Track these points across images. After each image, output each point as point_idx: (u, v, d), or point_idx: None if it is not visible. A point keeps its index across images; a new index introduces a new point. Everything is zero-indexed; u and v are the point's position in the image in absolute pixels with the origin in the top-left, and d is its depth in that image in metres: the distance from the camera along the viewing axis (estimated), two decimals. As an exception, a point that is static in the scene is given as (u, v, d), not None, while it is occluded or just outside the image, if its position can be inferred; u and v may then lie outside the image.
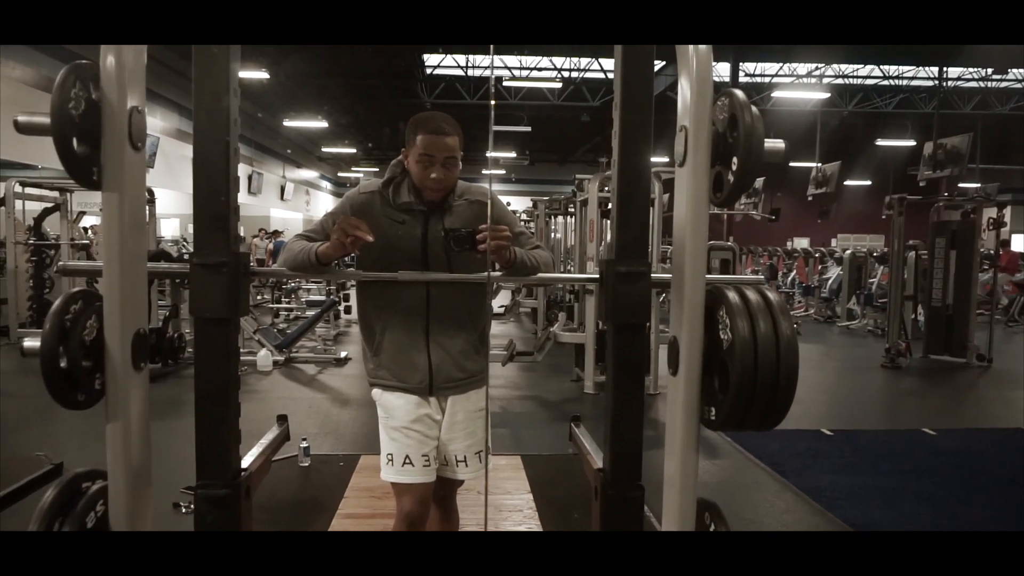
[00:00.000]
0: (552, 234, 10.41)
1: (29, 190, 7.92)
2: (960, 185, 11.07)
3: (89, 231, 10.03)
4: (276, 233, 15.33)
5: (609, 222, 6.37)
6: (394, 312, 1.82)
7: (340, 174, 25.21)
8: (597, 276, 1.72)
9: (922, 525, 3.21)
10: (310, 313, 7.56)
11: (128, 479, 1.30)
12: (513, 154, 18.40)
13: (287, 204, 20.75)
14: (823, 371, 7.26)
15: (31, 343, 1.20)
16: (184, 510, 3.05)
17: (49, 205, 8.27)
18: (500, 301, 10.58)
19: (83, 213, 9.67)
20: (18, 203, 7.82)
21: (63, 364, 1.20)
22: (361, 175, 23.20)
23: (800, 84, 15.63)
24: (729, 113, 1.31)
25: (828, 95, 15.33)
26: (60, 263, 8.05)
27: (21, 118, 1.18)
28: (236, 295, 1.57)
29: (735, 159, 1.30)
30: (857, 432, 4.81)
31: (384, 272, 1.73)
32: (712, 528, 1.37)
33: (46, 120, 1.15)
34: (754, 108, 1.29)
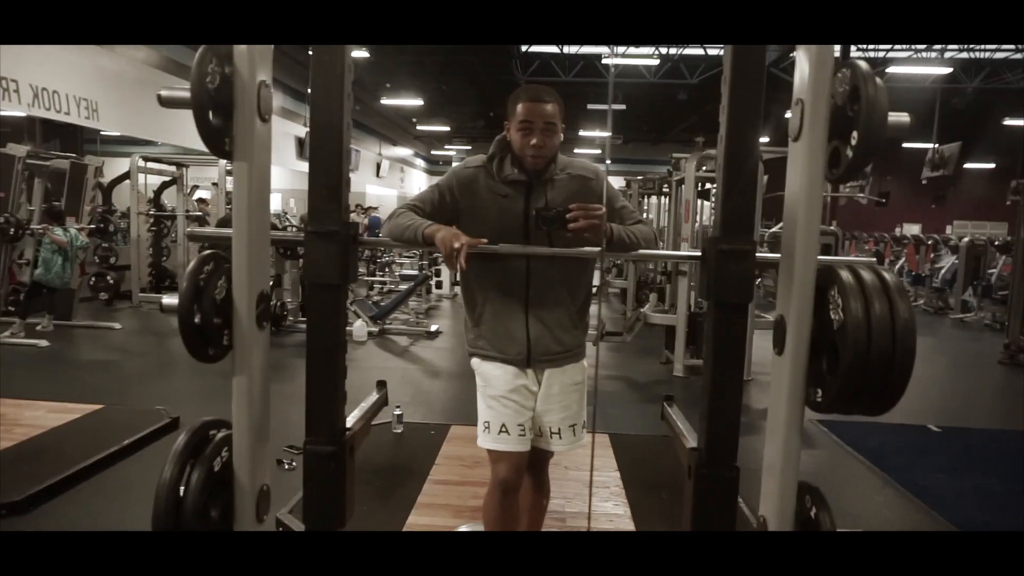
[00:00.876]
0: (645, 214, 10.24)
1: (150, 165, 8.52)
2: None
3: (199, 203, 10.66)
4: (371, 209, 15.76)
5: (704, 202, 6.19)
6: (495, 284, 1.86)
7: (433, 152, 25.66)
8: (699, 254, 1.69)
9: (1039, 531, 3.01)
10: (403, 287, 7.79)
11: (250, 428, 1.40)
12: (608, 133, 18.15)
13: (382, 181, 21.32)
14: (932, 365, 6.84)
15: (170, 300, 1.31)
16: (286, 466, 3.24)
17: (167, 179, 8.86)
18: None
19: (196, 187, 10.32)
20: (140, 176, 8.42)
21: (197, 320, 1.31)
22: (454, 152, 23.55)
23: (918, 59, 14.58)
24: (851, 85, 1.26)
25: (950, 70, 14.24)
26: (188, 229, 8.65)
27: (164, 92, 1.28)
28: (346, 262, 1.65)
29: (855, 133, 1.24)
30: (968, 430, 4.53)
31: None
32: (813, 513, 1.34)
33: (186, 94, 1.24)
34: (878, 79, 1.23)
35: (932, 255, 11.69)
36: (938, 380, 6.24)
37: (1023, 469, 3.82)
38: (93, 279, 8.04)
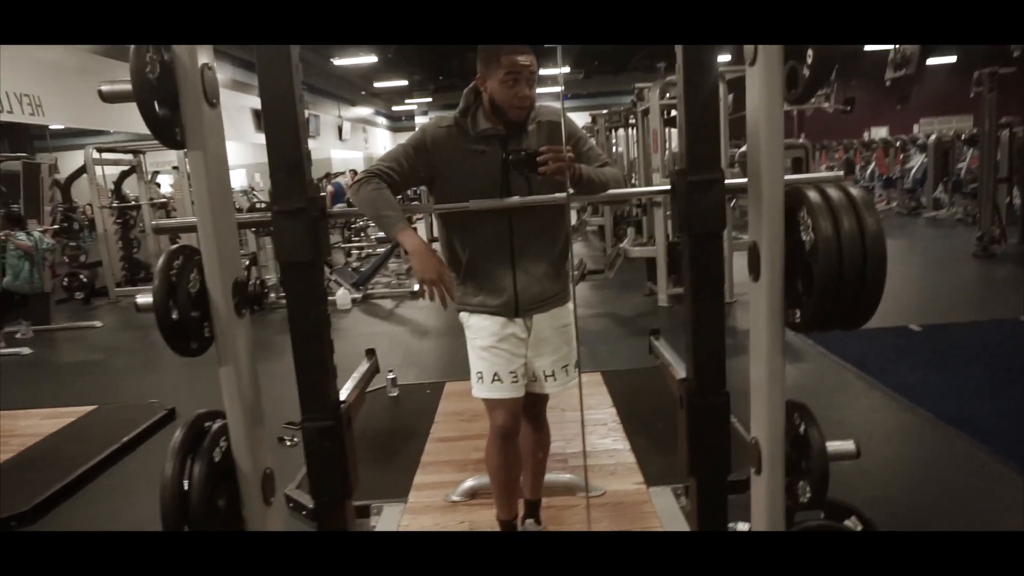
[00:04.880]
0: (614, 148, 10.17)
1: (106, 155, 8.28)
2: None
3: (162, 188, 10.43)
4: (332, 175, 15.23)
5: (673, 131, 6.18)
6: (479, 238, 1.87)
7: (394, 108, 25.10)
8: (668, 188, 1.69)
9: (1019, 416, 3.12)
10: (381, 250, 7.75)
11: (244, 416, 1.41)
12: (567, 69, 17.84)
13: (346, 144, 20.92)
14: (909, 265, 6.98)
15: (144, 299, 1.29)
16: (288, 443, 3.27)
17: (125, 168, 8.64)
18: (566, 222, 10.49)
19: (157, 172, 10.06)
20: (98, 168, 8.20)
21: (175, 316, 1.29)
22: (415, 107, 23.07)
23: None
24: (801, 2, 1.24)
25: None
26: (153, 222, 8.49)
27: (105, 88, 1.24)
28: (317, 238, 1.63)
29: (810, 51, 1.23)
30: (947, 326, 4.66)
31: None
32: (802, 429, 1.38)
33: (128, 87, 1.20)
34: (829, -6, 1.21)
35: (902, 156, 11.76)
36: (916, 280, 6.37)
37: (1003, 357, 3.94)
38: (66, 279, 7.90)
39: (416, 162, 1.83)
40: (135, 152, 8.48)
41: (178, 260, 1.33)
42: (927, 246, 8.31)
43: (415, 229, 1.86)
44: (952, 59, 19.78)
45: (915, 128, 19.96)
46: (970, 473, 2.68)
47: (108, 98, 1.24)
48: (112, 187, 8.75)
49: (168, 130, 1.27)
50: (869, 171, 12.85)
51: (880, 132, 18.68)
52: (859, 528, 1.73)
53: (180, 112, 1.27)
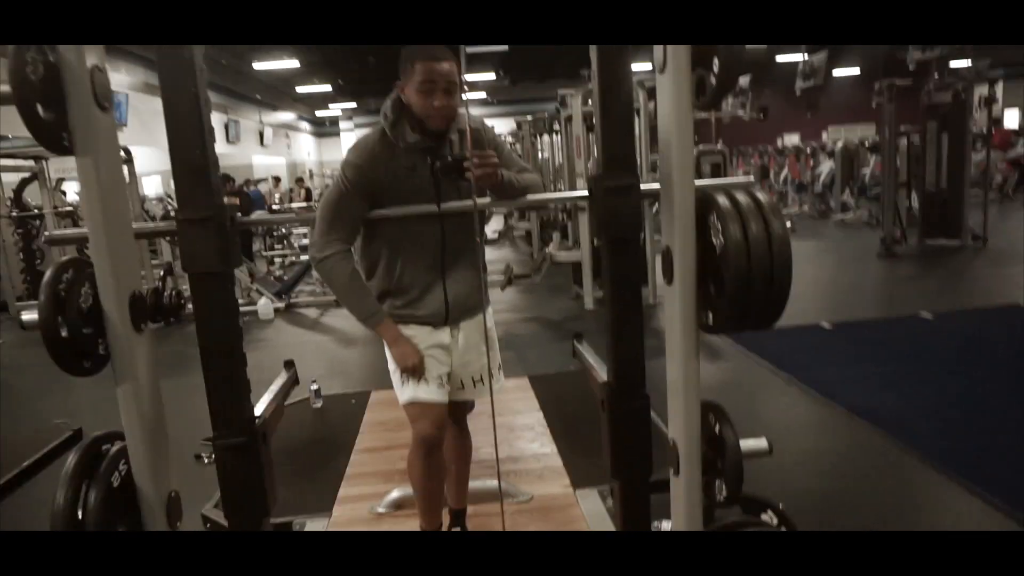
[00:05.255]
0: (539, 154, 10.26)
1: (4, 162, 7.76)
2: (951, 64, 10.78)
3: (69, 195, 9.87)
4: (248, 183, 14.32)
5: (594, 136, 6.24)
6: (411, 251, 1.85)
7: (318, 113, 24.59)
8: (587, 193, 1.71)
9: (923, 404, 3.31)
10: (304, 257, 7.55)
11: (145, 437, 1.33)
12: (492, 75, 17.89)
13: (268, 150, 20.37)
14: (820, 265, 7.32)
15: (29, 316, 1.20)
16: (207, 460, 3.13)
17: (26, 175, 8.11)
18: (493, 226, 10.54)
19: (62, 179, 9.51)
20: (-4, 176, 7.69)
21: (64, 333, 1.21)
22: (339, 112, 22.67)
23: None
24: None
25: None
26: (46, 233, 7.99)
27: (-20, 88, 1.14)
28: (226, 247, 1.56)
29: (715, 60, 1.26)
30: (856, 323, 4.90)
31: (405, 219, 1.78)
32: (718, 429, 1.41)
33: (6, 88, 1.11)
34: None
35: (812, 162, 12.34)
36: (825, 280, 6.69)
37: (908, 351, 4.18)
38: (-40, 295, 7.37)
39: (361, 203, 1.78)
40: (36, 158, 7.97)
41: (67, 273, 1.24)
42: (836, 247, 8.73)
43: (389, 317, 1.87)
44: (856, 71, 20.94)
45: (824, 135, 21.00)
46: (880, 462, 2.82)
47: (-15, 100, 1.15)
48: (11, 196, 8.21)
49: (54, 135, 1.18)
50: (783, 176, 13.43)
51: (792, 139, 19.55)
52: (775, 522, 1.78)
53: (67, 116, 1.19)
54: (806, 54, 14.13)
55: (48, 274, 1.22)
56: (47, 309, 1.18)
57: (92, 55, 1.22)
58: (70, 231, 1.44)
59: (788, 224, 1.33)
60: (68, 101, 1.19)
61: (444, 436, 1.95)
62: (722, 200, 1.31)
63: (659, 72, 1.36)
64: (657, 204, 1.52)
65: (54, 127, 1.17)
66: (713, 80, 1.29)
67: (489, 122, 2.00)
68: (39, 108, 1.14)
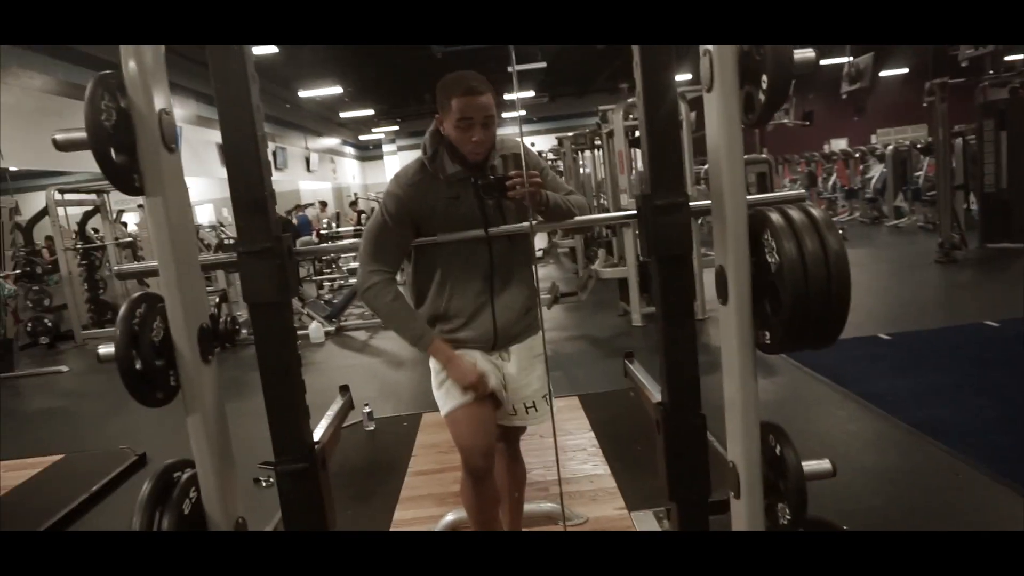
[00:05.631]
0: (581, 170, 10.26)
1: (68, 196, 8.14)
2: (1006, 59, 10.39)
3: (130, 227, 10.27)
4: (296, 209, 14.82)
5: (638, 151, 6.21)
6: (459, 277, 1.85)
7: (361, 137, 25.11)
8: (634, 212, 1.71)
9: (988, 419, 3.18)
10: (352, 280, 7.69)
11: (214, 464, 1.37)
12: (531, 93, 18.04)
13: (314, 175, 20.85)
14: (874, 274, 7.11)
15: (106, 350, 1.26)
16: (264, 484, 3.20)
17: (89, 208, 8.49)
18: (538, 244, 10.54)
19: (122, 211, 9.90)
20: (60, 210, 8.05)
21: (138, 366, 1.26)
22: (382, 135, 23.10)
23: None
24: (754, 30, 1.26)
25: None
26: (116, 267, 8.31)
27: (59, 136, 1.22)
28: (285, 278, 1.61)
29: (764, 77, 1.26)
30: (915, 333, 4.74)
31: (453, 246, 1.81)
32: (778, 450, 1.38)
33: (83, 135, 1.18)
34: (779, 21, 1.24)
35: (861, 167, 12.04)
36: (882, 289, 6.49)
37: (969, 362, 4.02)
38: (30, 324, 7.71)
39: (402, 232, 1.81)
40: (98, 192, 8.34)
41: (140, 308, 1.30)
42: (891, 254, 8.48)
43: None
44: (904, 71, 20.41)
45: (873, 138, 20.49)
46: (944, 479, 2.71)
47: (63, 147, 1.22)
48: (76, 228, 8.60)
49: (126, 177, 1.24)
50: (831, 183, 13.13)
51: (840, 143, 19.12)
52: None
53: (137, 159, 1.25)
54: (851, 56, 13.84)
55: (123, 310, 1.28)
56: (123, 343, 1.24)
57: (159, 99, 1.28)
58: (137, 265, 1.50)
59: (840, 232, 1.30)
60: (138, 144, 1.25)
61: (492, 467, 1.90)
62: (775, 217, 1.30)
63: (706, 91, 1.36)
64: (703, 218, 1.51)
65: (126, 169, 1.24)
66: (762, 97, 1.28)
67: (529, 140, 2.00)
68: (112, 152, 1.21)
